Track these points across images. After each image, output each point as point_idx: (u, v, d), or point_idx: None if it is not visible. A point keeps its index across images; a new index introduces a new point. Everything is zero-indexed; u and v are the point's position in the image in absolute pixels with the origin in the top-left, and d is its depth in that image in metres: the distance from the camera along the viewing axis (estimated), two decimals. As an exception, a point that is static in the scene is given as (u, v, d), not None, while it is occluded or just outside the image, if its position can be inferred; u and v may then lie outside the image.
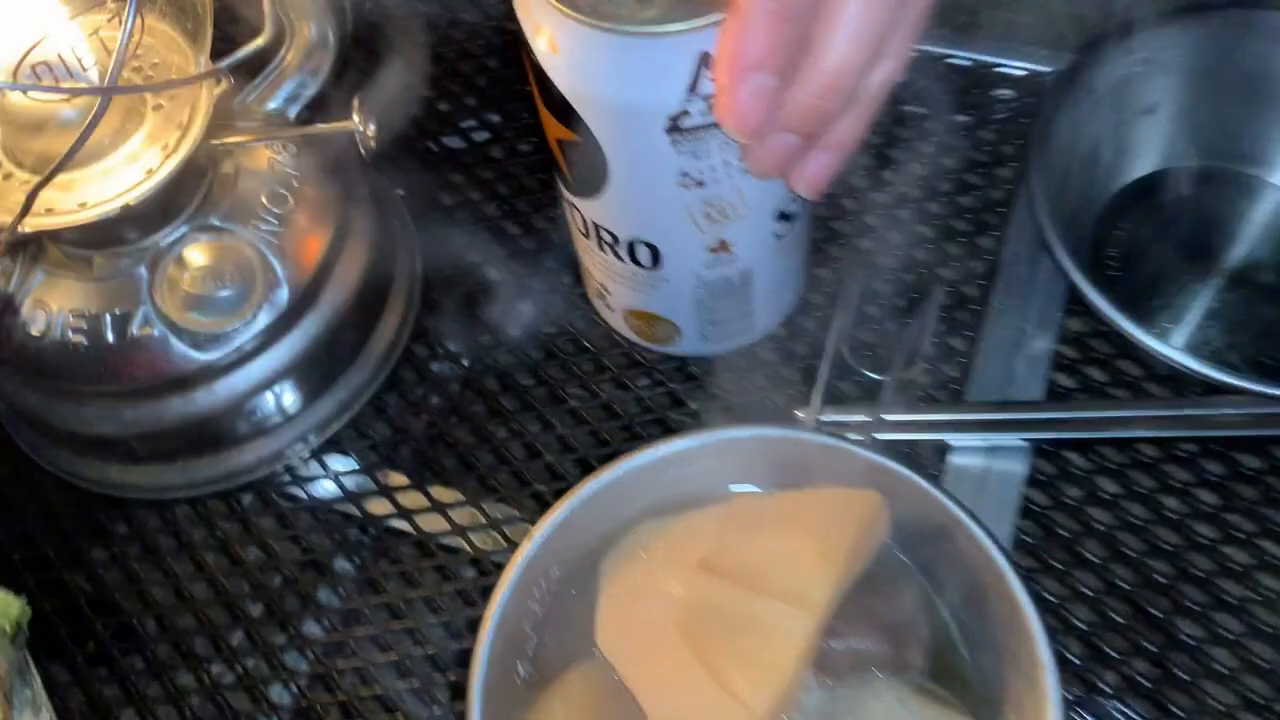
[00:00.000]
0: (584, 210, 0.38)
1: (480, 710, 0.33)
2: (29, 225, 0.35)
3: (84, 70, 0.36)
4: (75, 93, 0.34)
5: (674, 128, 0.33)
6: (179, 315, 0.38)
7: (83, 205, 0.36)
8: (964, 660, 0.34)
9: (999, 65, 0.50)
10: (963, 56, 0.50)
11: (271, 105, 0.42)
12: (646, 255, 0.38)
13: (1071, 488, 0.40)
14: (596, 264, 0.41)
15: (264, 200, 0.40)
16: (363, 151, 0.40)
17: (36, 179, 0.36)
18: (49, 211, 0.36)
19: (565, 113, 0.34)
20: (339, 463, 0.43)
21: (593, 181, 0.36)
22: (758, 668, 0.33)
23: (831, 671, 0.34)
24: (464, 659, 0.34)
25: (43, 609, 0.41)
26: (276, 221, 0.40)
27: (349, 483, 0.43)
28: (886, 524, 0.35)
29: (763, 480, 0.37)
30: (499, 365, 0.45)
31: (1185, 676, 0.37)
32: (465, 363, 0.45)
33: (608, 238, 0.38)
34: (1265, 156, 0.44)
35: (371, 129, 0.40)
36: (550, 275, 0.47)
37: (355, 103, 0.40)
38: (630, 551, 0.36)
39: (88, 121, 0.32)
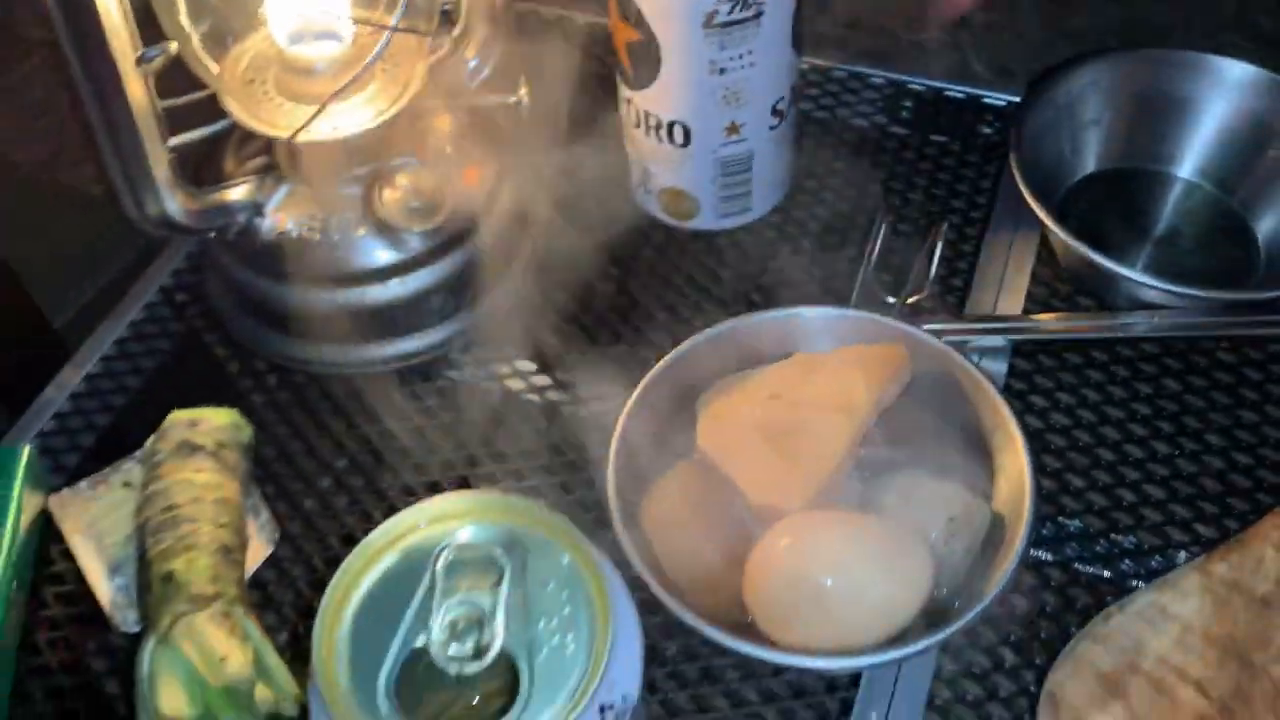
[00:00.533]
0: (639, 102, 0.55)
1: (615, 488, 0.45)
2: (303, 137, 0.49)
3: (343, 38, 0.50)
4: (378, 27, 0.49)
5: (708, 22, 0.49)
6: (387, 219, 0.52)
7: (335, 129, 0.50)
8: (962, 460, 0.47)
9: (986, 97, 0.66)
10: (957, 90, 0.66)
11: (454, 87, 0.56)
12: (680, 135, 0.54)
13: (1042, 378, 0.54)
14: (643, 150, 0.57)
15: (448, 149, 0.55)
16: (524, 115, 0.55)
17: (301, 108, 0.50)
18: (311, 133, 0.50)
19: (634, 17, 0.51)
20: (485, 352, 0.57)
21: (649, 73, 0.53)
22: (817, 452, 0.45)
23: (868, 468, 0.47)
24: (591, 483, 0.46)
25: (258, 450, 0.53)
26: (456, 163, 0.54)
27: (494, 369, 0.56)
28: (909, 368, 0.48)
29: (815, 346, 0.50)
30: (599, 283, 0.59)
31: (1126, 503, 0.50)
32: (576, 286, 0.59)
33: (654, 122, 0.54)
34: (1173, 156, 0.59)
35: (528, 101, 0.55)
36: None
37: (520, 80, 0.55)
38: (719, 391, 0.49)
39: (368, 60, 0.46)
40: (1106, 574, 0.48)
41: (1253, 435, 0.52)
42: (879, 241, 0.56)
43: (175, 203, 0.50)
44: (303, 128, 0.48)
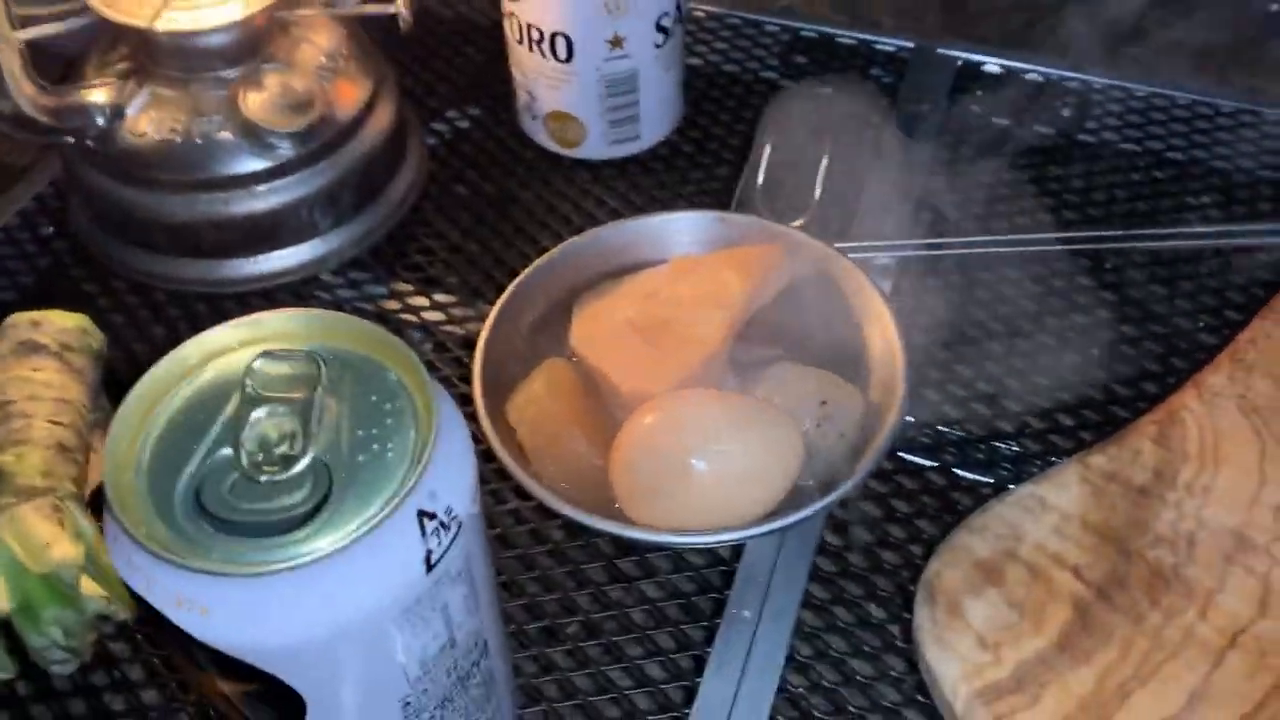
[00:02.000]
0: (520, 14, 0.54)
1: (481, 386, 0.44)
2: (161, 26, 0.47)
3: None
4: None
5: None
6: (253, 119, 0.50)
7: (197, 20, 0.48)
8: (839, 356, 0.46)
9: (877, 42, 0.66)
10: (848, 36, 0.66)
11: (329, -2, 0.55)
12: (563, 47, 0.53)
13: (928, 297, 0.53)
14: (527, 70, 0.56)
15: (322, 59, 0.53)
16: (401, 27, 0.53)
17: (164, 2, 0.48)
18: (173, 22, 0.48)
19: None
20: (359, 274, 0.55)
21: None
22: (689, 342, 0.44)
23: (743, 366, 0.45)
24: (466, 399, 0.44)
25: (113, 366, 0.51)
26: (330, 73, 0.53)
27: (368, 290, 0.54)
28: (786, 267, 0.47)
29: (693, 252, 0.49)
30: (480, 209, 0.57)
31: (1010, 411, 0.49)
32: (458, 210, 0.57)
33: (535, 35, 0.53)
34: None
35: (408, 12, 0.54)
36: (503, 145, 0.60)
37: (398, -10, 0.53)
38: (595, 294, 0.48)
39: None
40: (988, 479, 0.47)
41: (1134, 347, 0.51)
42: (764, 159, 0.55)
43: (26, 98, 0.48)
44: (156, 16, 0.46)
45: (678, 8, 0.55)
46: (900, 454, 0.48)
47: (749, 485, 0.40)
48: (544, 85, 0.56)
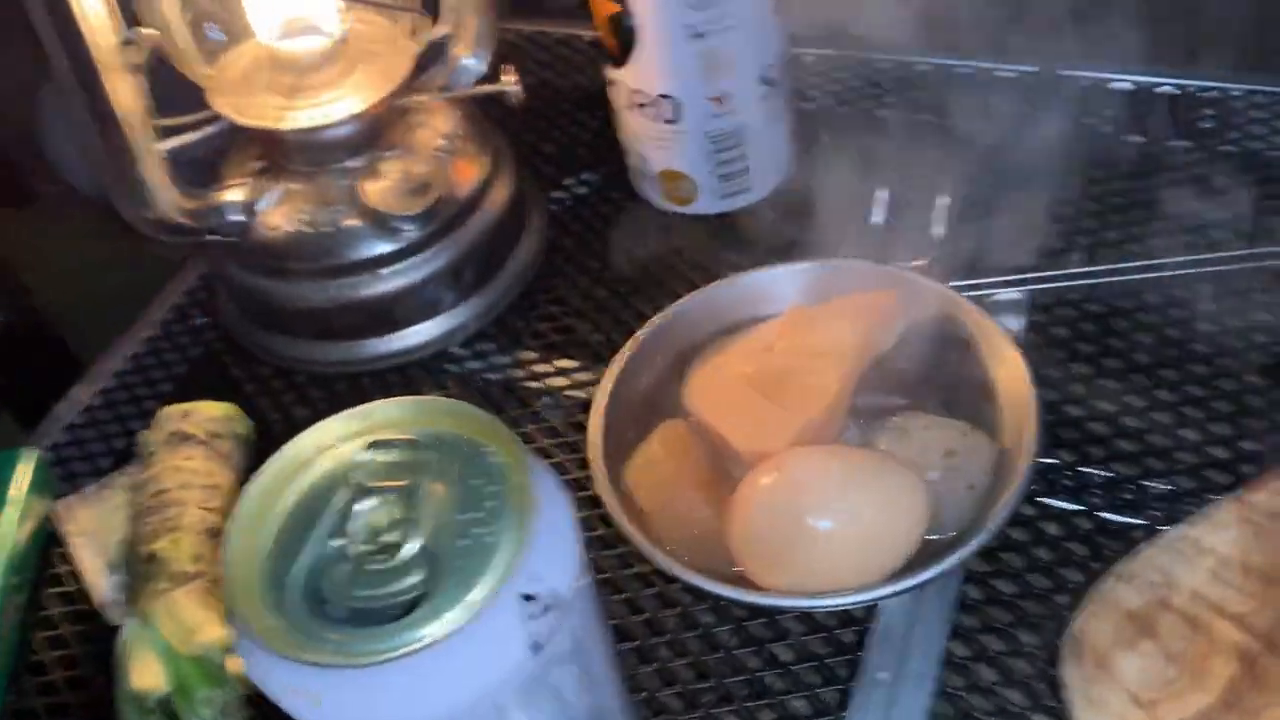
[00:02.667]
0: (625, 80, 0.54)
1: (600, 451, 0.44)
2: (290, 124, 0.50)
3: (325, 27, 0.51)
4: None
5: None
6: (377, 206, 0.52)
7: (325, 116, 0.51)
8: (965, 401, 0.44)
9: (997, 69, 0.64)
10: (966, 66, 0.65)
11: (445, 82, 0.57)
12: (668, 109, 0.53)
13: (1062, 330, 0.51)
14: (636, 133, 0.56)
15: (440, 141, 0.55)
16: (514, 103, 0.55)
17: (290, 103, 0.51)
18: (296, 120, 0.51)
19: None
20: (486, 345, 0.56)
21: (629, 44, 0.52)
22: (805, 395, 0.43)
23: (865, 416, 0.44)
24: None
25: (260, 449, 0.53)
26: (448, 155, 0.54)
27: (495, 360, 0.55)
28: (902, 312, 0.46)
29: (811, 300, 0.48)
30: (599, 272, 0.58)
31: (1159, 448, 0.46)
32: (576, 275, 0.58)
33: (640, 99, 0.54)
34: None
35: (519, 88, 0.55)
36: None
37: (505, 68, 0.55)
38: (710, 352, 0.48)
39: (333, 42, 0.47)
40: (1139, 522, 0.44)
41: (1295, 371, 0.48)
42: (879, 201, 0.54)
43: (169, 203, 0.51)
44: (283, 111, 0.49)
45: (780, 59, 0.55)
46: (1042, 499, 0.46)
47: (872, 543, 0.38)
48: (653, 146, 0.56)
